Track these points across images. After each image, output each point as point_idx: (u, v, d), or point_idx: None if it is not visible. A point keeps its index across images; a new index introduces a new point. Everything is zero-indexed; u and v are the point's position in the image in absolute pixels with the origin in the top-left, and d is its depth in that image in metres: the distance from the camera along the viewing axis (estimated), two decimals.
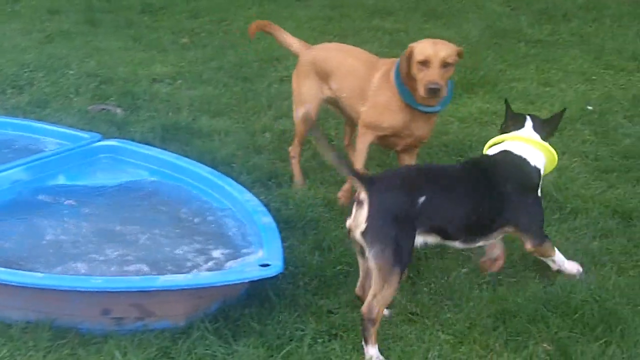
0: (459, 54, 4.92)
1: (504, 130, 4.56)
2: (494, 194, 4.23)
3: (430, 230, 4.07)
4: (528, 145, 4.39)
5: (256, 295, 4.22)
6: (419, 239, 4.03)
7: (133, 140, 5.78)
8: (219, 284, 3.98)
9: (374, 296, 3.84)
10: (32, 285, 3.87)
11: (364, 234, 3.88)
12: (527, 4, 9.99)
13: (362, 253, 4.01)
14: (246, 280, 4.08)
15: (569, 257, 4.55)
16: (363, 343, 3.88)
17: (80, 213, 4.87)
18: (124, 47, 8.48)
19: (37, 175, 5.11)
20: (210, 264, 4.33)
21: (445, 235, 4.14)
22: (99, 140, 5.52)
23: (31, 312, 3.93)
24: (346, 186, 5.23)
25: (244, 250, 4.42)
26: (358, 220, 3.91)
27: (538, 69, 7.82)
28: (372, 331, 3.86)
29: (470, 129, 6.48)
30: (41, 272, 4.02)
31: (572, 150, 6.05)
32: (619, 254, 4.73)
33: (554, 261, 4.47)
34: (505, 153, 4.38)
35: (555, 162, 4.51)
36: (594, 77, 7.64)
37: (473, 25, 9.20)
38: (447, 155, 6.00)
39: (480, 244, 4.33)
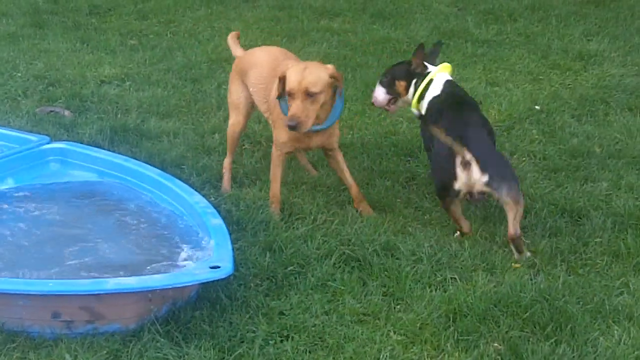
0: (333, 76, 4.79)
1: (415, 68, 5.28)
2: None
3: None
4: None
5: (207, 297, 4.21)
6: None
7: (82, 142, 5.74)
8: (169, 287, 3.97)
9: (515, 218, 4.62)
10: None
11: (489, 183, 4.62)
12: (474, 5, 10.05)
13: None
14: (196, 283, 4.07)
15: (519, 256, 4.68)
16: (516, 255, 4.67)
17: (29, 216, 4.81)
18: (72, 49, 8.38)
19: None
20: (159, 266, 4.30)
21: None
22: (48, 143, 5.46)
23: None
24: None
25: (194, 253, 4.41)
26: (474, 178, 4.63)
27: (485, 69, 7.88)
28: (521, 242, 4.67)
29: (418, 130, 6.43)
30: None
31: (520, 150, 6.11)
32: (568, 252, 4.78)
33: None
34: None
35: None
36: (540, 77, 7.71)
37: (421, 25, 9.24)
38: (396, 155, 6.03)
39: None
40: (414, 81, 5.30)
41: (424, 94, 5.23)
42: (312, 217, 5.07)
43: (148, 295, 3.94)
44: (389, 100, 5.47)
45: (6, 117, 6.50)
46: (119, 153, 5.54)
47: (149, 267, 4.28)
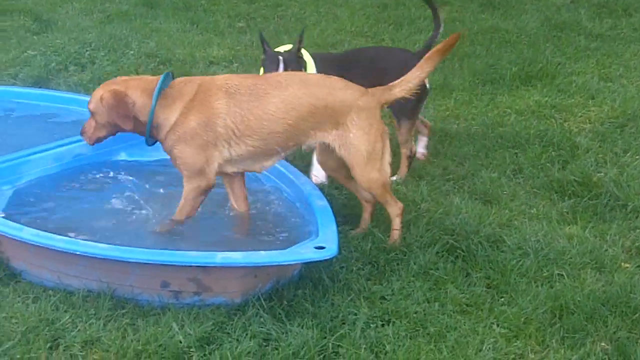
0: (103, 99, 4.32)
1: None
2: None
3: None
4: None
5: (309, 277, 4.23)
6: None
7: None
8: (275, 264, 4.00)
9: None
10: (96, 255, 3.93)
11: None
12: None
13: None
14: (301, 262, 4.10)
15: (629, 257, 4.58)
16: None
17: (141, 189, 4.90)
18: (182, 29, 8.53)
19: (99, 150, 5.13)
20: (266, 244, 4.34)
21: None
22: None
23: (93, 281, 3.99)
24: None
25: (299, 233, 4.43)
26: None
27: (598, 64, 7.71)
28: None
29: (527, 122, 6.40)
30: (103, 243, 4.05)
31: (634, 148, 5.92)
32: None
33: None
34: None
35: None
36: None
37: (531, 16, 9.10)
38: (502, 147, 5.93)
39: None
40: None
41: None
42: (415, 206, 5.03)
43: (254, 271, 3.99)
44: None
45: None
46: None
47: (254, 244, 4.32)
